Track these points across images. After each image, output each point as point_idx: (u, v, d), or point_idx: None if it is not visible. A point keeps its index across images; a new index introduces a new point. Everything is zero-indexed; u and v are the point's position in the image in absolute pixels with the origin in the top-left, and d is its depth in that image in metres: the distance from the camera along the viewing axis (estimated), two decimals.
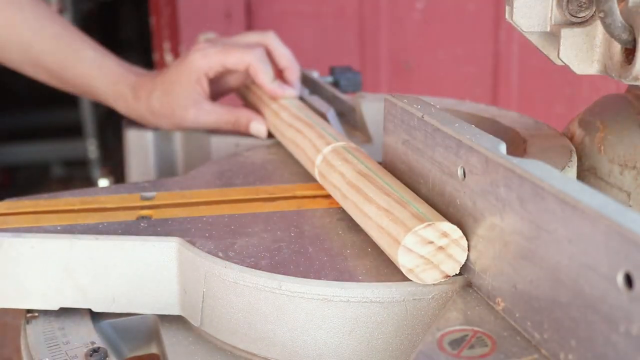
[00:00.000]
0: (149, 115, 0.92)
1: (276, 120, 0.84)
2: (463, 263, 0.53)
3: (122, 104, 0.94)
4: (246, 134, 0.88)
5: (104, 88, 0.94)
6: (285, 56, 0.92)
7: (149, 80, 0.93)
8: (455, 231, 0.52)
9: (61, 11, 2.49)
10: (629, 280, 0.37)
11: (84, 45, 0.96)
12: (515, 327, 0.48)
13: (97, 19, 2.76)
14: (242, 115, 0.88)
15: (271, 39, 0.92)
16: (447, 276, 0.53)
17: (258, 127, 0.87)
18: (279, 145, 0.82)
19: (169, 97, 0.90)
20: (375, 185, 0.60)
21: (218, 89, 0.95)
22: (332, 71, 1.05)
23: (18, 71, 0.98)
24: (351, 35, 1.74)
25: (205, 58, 0.88)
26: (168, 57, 1.77)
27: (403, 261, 0.52)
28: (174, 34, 1.75)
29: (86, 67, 0.94)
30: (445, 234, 0.52)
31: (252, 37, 0.93)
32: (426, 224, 0.52)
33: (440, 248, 0.52)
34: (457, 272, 0.53)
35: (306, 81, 1.05)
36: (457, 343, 0.46)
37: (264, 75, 0.87)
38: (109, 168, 2.74)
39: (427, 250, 0.52)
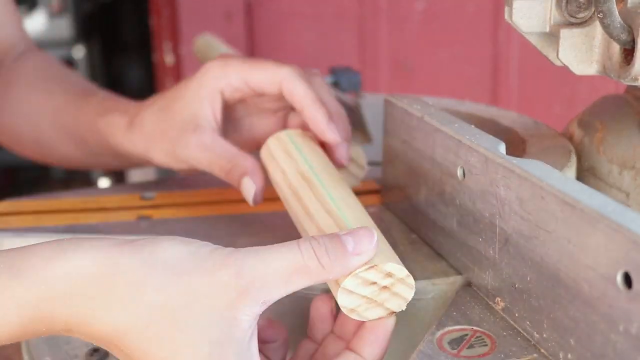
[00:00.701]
0: (140, 144, 0.69)
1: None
2: (410, 300, 0.49)
3: (112, 138, 0.72)
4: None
5: (100, 124, 0.73)
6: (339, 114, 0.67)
7: (148, 103, 0.71)
8: (400, 271, 0.48)
9: (62, 12, 2.49)
10: (628, 280, 0.37)
11: (91, 92, 0.80)
12: (514, 326, 0.48)
13: (97, 20, 2.76)
14: (239, 164, 0.64)
15: (317, 81, 0.68)
16: (393, 313, 0.49)
17: (248, 188, 0.63)
18: None
19: (165, 114, 0.67)
20: (316, 196, 0.55)
21: (236, 129, 0.70)
22: (332, 71, 1.04)
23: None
24: (351, 35, 1.74)
25: (224, 69, 0.66)
26: (168, 58, 1.77)
27: (343, 302, 0.48)
28: (174, 34, 1.74)
29: (91, 110, 0.76)
30: (389, 274, 0.48)
31: (295, 68, 0.67)
32: (368, 266, 0.47)
33: (385, 287, 0.48)
34: (403, 309, 0.49)
35: None
36: (456, 342, 0.47)
37: (304, 95, 0.63)
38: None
39: (370, 290, 0.48)
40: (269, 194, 0.66)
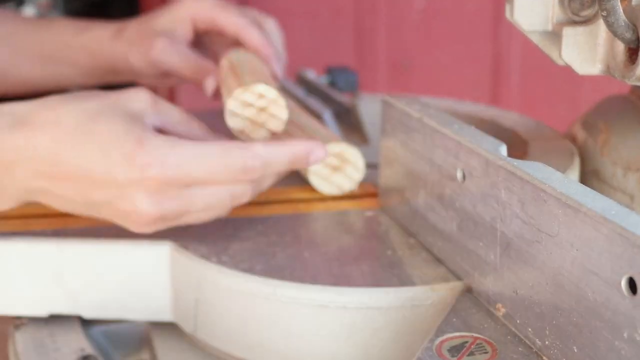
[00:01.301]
0: (122, 49, 0.85)
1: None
2: (285, 119, 0.60)
3: (98, 49, 0.88)
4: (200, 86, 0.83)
5: (82, 39, 0.89)
6: (277, 44, 0.86)
7: (131, 20, 0.88)
8: (270, 91, 0.60)
9: (50, 9, 2.49)
10: (632, 285, 0.37)
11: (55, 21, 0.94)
12: (516, 333, 0.48)
13: (87, 18, 2.76)
14: (206, 66, 0.81)
15: (269, 24, 0.87)
16: (275, 133, 0.61)
17: (209, 83, 0.79)
18: None
19: (144, 26, 0.84)
20: (233, 72, 0.67)
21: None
22: (328, 71, 1.05)
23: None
24: (348, 34, 1.74)
25: (200, 1, 0.84)
26: None
27: (232, 124, 0.60)
28: None
29: (63, 30, 0.90)
30: (261, 95, 0.60)
31: (250, 14, 0.87)
32: (242, 89, 0.60)
33: (262, 110, 0.60)
34: (281, 129, 0.62)
35: (302, 81, 1.05)
36: (456, 350, 0.46)
37: (256, 38, 0.81)
38: None
39: (250, 112, 0.60)
40: (263, 197, 0.65)
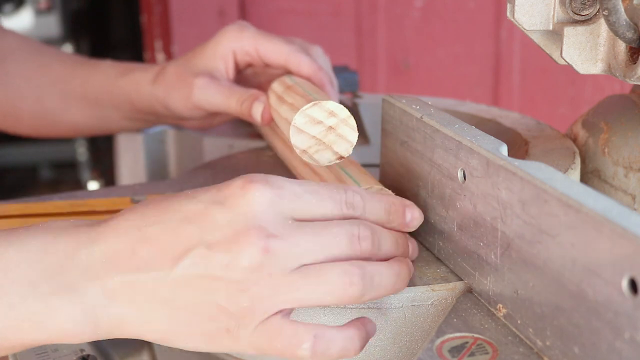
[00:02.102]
0: (161, 94, 0.81)
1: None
2: (354, 143, 0.57)
3: (136, 93, 0.84)
4: (251, 121, 0.76)
5: (121, 82, 0.85)
6: (327, 70, 0.81)
7: (170, 61, 0.84)
8: (342, 110, 0.56)
9: (49, 9, 2.48)
10: (633, 286, 0.37)
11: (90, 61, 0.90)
12: (517, 333, 0.47)
13: (86, 17, 2.75)
14: (252, 94, 0.75)
15: (316, 51, 0.81)
16: (341, 157, 0.57)
17: (257, 108, 0.73)
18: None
19: (184, 66, 0.80)
20: (292, 91, 0.65)
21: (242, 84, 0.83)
22: None
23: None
24: (348, 33, 1.74)
25: (241, 33, 0.78)
26: (159, 56, 1.77)
27: (295, 141, 0.56)
28: (166, 32, 1.74)
29: (106, 73, 0.86)
30: (332, 113, 0.56)
31: (296, 41, 0.82)
32: (312, 103, 0.56)
33: (331, 128, 0.56)
34: (350, 153, 0.57)
35: None
36: (457, 350, 0.46)
37: (307, 63, 0.76)
38: (98, 171, 2.72)
39: (318, 130, 0.56)
40: None
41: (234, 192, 0.47)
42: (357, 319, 0.49)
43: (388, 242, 0.51)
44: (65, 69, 0.89)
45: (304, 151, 0.56)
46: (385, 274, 0.49)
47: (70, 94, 0.88)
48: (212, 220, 0.46)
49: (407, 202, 0.53)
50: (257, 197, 0.46)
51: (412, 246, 0.54)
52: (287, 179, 0.49)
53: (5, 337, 0.46)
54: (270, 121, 0.72)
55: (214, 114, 0.81)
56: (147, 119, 0.88)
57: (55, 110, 0.89)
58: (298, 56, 0.76)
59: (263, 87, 0.79)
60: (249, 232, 0.45)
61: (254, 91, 0.75)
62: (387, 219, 0.52)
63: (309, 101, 0.57)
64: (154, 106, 0.82)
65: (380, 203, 0.51)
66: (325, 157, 0.57)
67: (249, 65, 0.80)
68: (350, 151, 0.57)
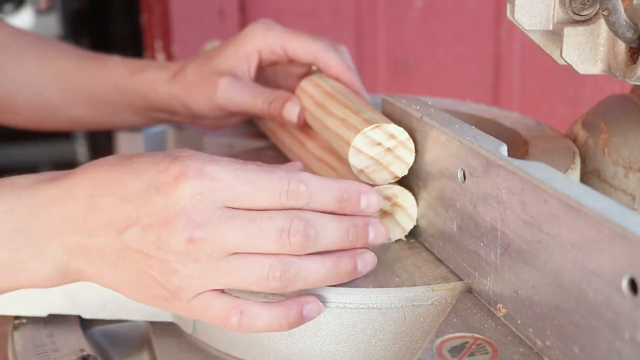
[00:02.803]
0: (181, 93, 0.79)
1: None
2: (411, 164, 0.57)
3: (152, 91, 0.82)
4: (279, 121, 0.75)
5: (136, 80, 0.83)
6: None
7: (189, 60, 0.82)
8: (402, 133, 0.56)
9: (49, 9, 2.48)
10: (633, 286, 0.37)
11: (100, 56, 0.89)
12: (516, 333, 0.47)
13: (86, 17, 2.75)
14: (280, 95, 0.74)
15: (343, 51, 0.79)
16: (397, 177, 0.57)
17: (292, 109, 0.72)
18: (273, 147, 0.82)
19: (206, 66, 0.78)
20: (336, 101, 0.64)
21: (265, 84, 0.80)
22: None
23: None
24: (348, 33, 1.74)
25: (267, 31, 0.76)
26: (159, 56, 1.76)
27: (354, 162, 0.56)
28: (166, 32, 1.74)
29: (116, 70, 0.85)
30: (392, 136, 0.56)
31: (324, 40, 0.80)
32: (374, 125, 0.56)
33: (389, 150, 0.57)
34: (405, 174, 0.57)
35: None
36: (457, 350, 0.46)
37: (337, 61, 0.74)
38: None
39: (376, 151, 0.57)
40: None
41: (168, 180, 0.50)
42: (296, 298, 0.52)
43: (330, 234, 0.52)
44: (70, 63, 0.88)
45: (361, 171, 0.57)
46: (314, 269, 0.51)
47: (73, 88, 0.87)
48: (147, 203, 0.50)
49: (364, 187, 0.53)
50: (187, 189, 0.49)
51: (377, 231, 0.54)
52: (227, 167, 0.51)
53: None
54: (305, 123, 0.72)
55: (233, 114, 0.80)
56: (160, 117, 0.87)
57: (56, 104, 0.89)
58: (327, 54, 0.74)
59: (282, 87, 0.79)
60: (177, 221, 0.49)
61: (281, 92, 0.74)
62: (338, 206, 0.53)
63: (362, 117, 0.58)
64: (171, 105, 0.81)
65: (330, 191, 0.52)
66: (381, 177, 0.57)
67: (273, 63, 0.79)
68: (406, 172, 0.57)
